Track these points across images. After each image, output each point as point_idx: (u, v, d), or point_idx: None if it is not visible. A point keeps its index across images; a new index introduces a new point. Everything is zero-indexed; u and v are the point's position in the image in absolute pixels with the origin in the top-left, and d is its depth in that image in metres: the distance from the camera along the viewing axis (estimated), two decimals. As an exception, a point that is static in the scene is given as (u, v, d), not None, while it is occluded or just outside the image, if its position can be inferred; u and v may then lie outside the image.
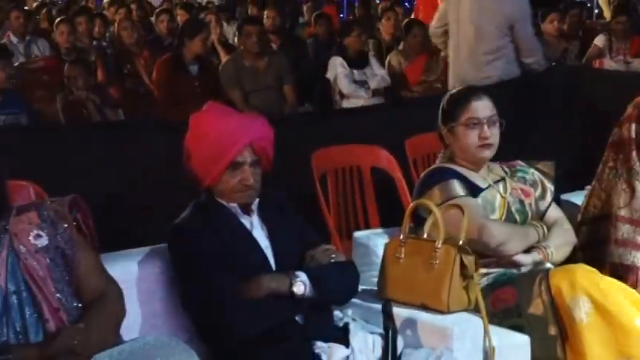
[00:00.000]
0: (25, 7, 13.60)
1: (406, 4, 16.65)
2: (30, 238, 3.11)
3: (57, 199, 3.28)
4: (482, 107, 4.11)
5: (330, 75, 8.95)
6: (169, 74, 8.15)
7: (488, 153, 4.13)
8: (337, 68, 8.89)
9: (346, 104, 8.73)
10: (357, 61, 9.00)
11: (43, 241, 3.12)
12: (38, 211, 3.20)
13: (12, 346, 2.92)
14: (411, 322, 3.63)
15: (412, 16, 11.46)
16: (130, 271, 3.53)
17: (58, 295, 3.07)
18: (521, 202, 4.17)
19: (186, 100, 7.78)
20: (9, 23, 10.40)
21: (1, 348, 2.91)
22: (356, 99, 8.73)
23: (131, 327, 3.31)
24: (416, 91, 9.10)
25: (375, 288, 3.85)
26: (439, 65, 9.19)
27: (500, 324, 3.70)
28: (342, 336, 3.47)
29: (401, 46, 9.68)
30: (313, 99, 9.35)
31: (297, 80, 8.71)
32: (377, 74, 8.99)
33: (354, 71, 8.91)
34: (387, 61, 9.47)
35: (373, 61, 9.20)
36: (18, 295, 3.02)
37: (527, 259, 4.00)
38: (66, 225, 3.19)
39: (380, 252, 3.94)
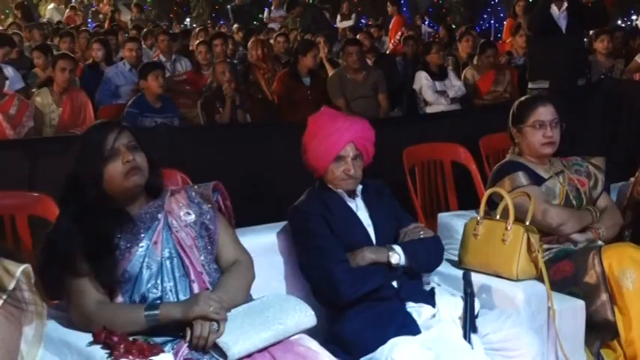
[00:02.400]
0: (171, 31, 13.79)
1: (477, 28, 16.54)
2: (181, 214, 3.16)
3: (203, 185, 3.31)
4: (547, 112, 4.07)
5: (416, 86, 8.92)
6: (287, 85, 8.21)
7: (551, 150, 4.09)
8: (422, 80, 8.87)
9: (429, 110, 8.70)
10: (438, 75, 8.96)
11: (191, 218, 3.17)
12: (188, 194, 3.25)
13: (161, 304, 2.95)
14: (486, 288, 3.60)
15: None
16: (258, 243, 3.54)
17: (202, 261, 3.11)
18: (577, 190, 4.10)
19: (300, 105, 7.86)
20: (158, 45, 10.54)
21: (152, 304, 2.96)
22: (437, 105, 8.67)
23: (259, 288, 3.32)
24: (486, 99, 9.00)
25: (456, 259, 3.83)
26: (506, 78, 9.11)
27: (560, 291, 3.63)
28: (429, 298, 3.45)
29: (475, 62, 9.58)
30: (402, 105, 9.30)
31: (388, 90, 8.67)
32: (455, 85, 8.92)
33: (436, 83, 8.87)
34: (462, 75, 9.38)
35: (451, 74, 9.14)
36: (170, 260, 3.06)
37: (582, 238, 3.95)
38: (209, 205, 3.24)
39: (460, 230, 3.91)
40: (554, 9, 7.47)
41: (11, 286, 2.46)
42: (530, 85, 7.71)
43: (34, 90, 7.81)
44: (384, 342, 3.20)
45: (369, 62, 9.77)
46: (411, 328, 3.28)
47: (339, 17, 16.98)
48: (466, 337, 3.29)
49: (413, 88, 8.98)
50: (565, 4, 7.47)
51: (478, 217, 3.78)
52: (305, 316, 3.07)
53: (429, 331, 3.30)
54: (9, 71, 7.89)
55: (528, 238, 3.59)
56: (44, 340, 2.63)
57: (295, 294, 3.43)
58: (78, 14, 16.62)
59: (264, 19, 17.88)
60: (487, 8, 23.75)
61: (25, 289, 2.50)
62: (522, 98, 4.34)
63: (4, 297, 2.44)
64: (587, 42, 9.69)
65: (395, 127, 6.52)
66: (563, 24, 7.51)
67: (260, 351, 2.88)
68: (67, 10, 17.52)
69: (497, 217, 3.76)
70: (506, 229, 3.63)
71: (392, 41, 14.04)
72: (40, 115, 7.04)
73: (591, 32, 9.71)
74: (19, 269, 2.50)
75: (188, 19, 22.28)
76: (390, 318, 3.30)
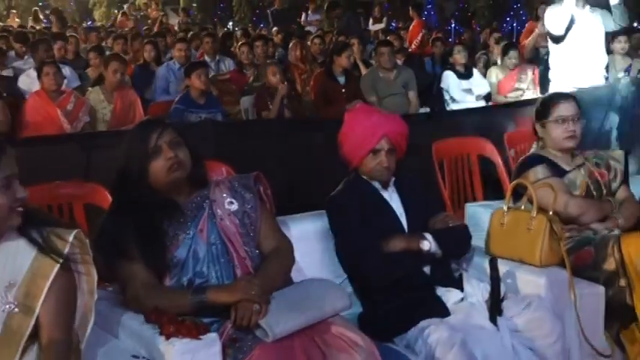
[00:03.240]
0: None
1: (502, 31, 16.45)
2: (225, 203, 3.15)
3: (244, 175, 3.30)
4: (569, 108, 4.02)
5: (443, 84, 8.88)
6: (323, 83, 8.17)
7: (573, 143, 4.03)
8: (449, 79, 8.83)
9: (455, 106, 8.63)
10: (464, 74, 8.91)
11: (234, 207, 3.15)
12: (231, 184, 3.24)
13: (207, 288, 2.95)
14: (511, 274, 3.55)
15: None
16: (297, 231, 3.52)
17: (244, 247, 3.10)
18: (598, 182, 4.05)
19: (335, 102, 7.82)
20: (203, 46, 10.54)
21: (199, 287, 2.96)
22: (463, 102, 8.62)
23: (299, 272, 3.32)
24: (510, 96, 8.91)
25: (483, 247, 3.78)
26: (528, 77, 9.02)
27: (580, 277, 3.57)
28: (457, 283, 3.44)
29: (499, 62, 9.49)
30: (430, 103, 9.24)
31: (417, 88, 8.62)
32: (480, 84, 8.88)
33: (462, 81, 8.83)
34: (487, 74, 9.30)
35: (477, 73, 9.11)
36: (215, 247, 3.06)
37: (602, 227, 3.88)
38: (251, 195, 3.21)
39: (486, 219, 3.87)
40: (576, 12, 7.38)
41: (66, 250, 2.52)
42: (552, 83, 7.62)
43: (88, 88, 7.85)
44: (415, 324, 3.19)
45: (399, 62, 9.73)
46: (440, 311, 3.27)
47: (371, 20, 16.95)
48: (492, 319, 3.26)
49: (440, 87, 8.93)
50: (587, 7, 7.39)
51: (504, 208, 3.73)
52: (341, 298, 3.05)
53: (458, 313, 3.28)
54: (66, 70, 7.95)
55: (551, 227, 3.54)
56: (96, 317, 2.67)
57: (332, 278, 3.42)
58: (130, 19, 16.72)
59: (302, 23, 17.86)
60: (510, 12, 23.69)
61: (78, 253, 2.56)
62: (545, 95, 4.30)
63: (61, 261, 2.49)
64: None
65: (424, 123, 6.48)
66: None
67: (299, 331, 2.86)
68: (119, 15, 17.66)
69: (522, 207, 3.72)
70: (530, 218, 3.59)
71: (413, 43, 13.96)
72: (93, 112, 7.09)
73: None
74: (71, 235, 2.55)
75: (231, 23, 22.33)
76: (421, 301, 3.29)
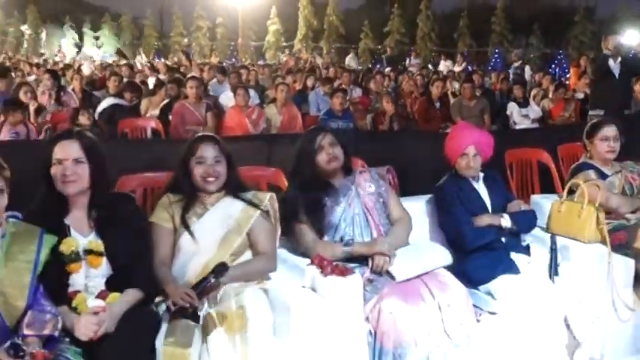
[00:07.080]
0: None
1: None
2: (366, 187, 3.14)
3: (380, 168, 3.28)
4: (611, 130, 3.80)
5: (508, 111, 8.60)
6: (425, 107, 8.04)
7: (613, 156, 3.81)
8: (512, 107, 8.53)
9: (517, 127, 8.33)
10: (523, 104, 8.62)
11: (372, 189, 3.15)
12: (370, 173, 3.22)
13: (353, 243, 2.95)
14: (565, 247, 3.38)
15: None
16: (414, 208, 3.44)
17: (379, 217, 3.09)
18: (631, 184, 3.81)
19: (432, 120, 7.70)
20: (342, 79, 10.45)
21: (347, 243, 2.96)
22: (522, 124, 8.31)
23: (414, 236, 3.26)
24: (557, 121, 8.54)
25: (545, 226, 3.61)
26: (571, 107, 8.64)
27: (616, 252, 3.36)
28: (526, 250, 3.32)
29: (550, 95, 9.11)
30: (498, 124, 8.95)
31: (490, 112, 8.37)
32: (534, 110, 8.56)
33: (522, 109, 8.52)
34: (541, 104, 8.94)
35: (532, 103, 8.78)
36: (359, 216, 3.06)
37: (633, 216, 3.64)
38: (384, 181, 3.20)
39: (546, 207, 3.68)
40: (610, 61, 7.03)
41: (264, 204, 2.76)
42: (590, 113, 7.25)
43: (264, 105, 8.00)
44: (495, 277, 3.11)
45: (478, 94, 9.48)
46: (513, 269, 3.16)
47: (456, 65, 16.64)
48: (551, 278, 3.15)
49: (506, 113, 8.67)
50: (619, 58, 7.01)
51: (561, 199, 3.57)
52: (444, 256, 3.03)
53: (526, 272, 3.16)
54: (251, 92, 8.11)
55: (597, 215, 3.37)
56: (277, 259, 2.74)
57: (437, 242, 3.36)
58: (291, 59, 16.96)
59: (406, 65, 17.70)
60: (554, 61, 23.23)
61: (270, 210, 2.78)
62: (594, 120, 4.08)
63: (260, 209, 2.73)
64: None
65: (496, 137, 6.24)
66: (616, 72, 7.05)
67: (416, 277, 2.84)
68: (283, 56, 17.95)
69: (575, 199, 3.54)
70: (581, 208, 3.42)
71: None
72: (269, 121, 7.22)
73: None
74: (267, 196, 2.78)
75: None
76: (499, 262, 3.19)
